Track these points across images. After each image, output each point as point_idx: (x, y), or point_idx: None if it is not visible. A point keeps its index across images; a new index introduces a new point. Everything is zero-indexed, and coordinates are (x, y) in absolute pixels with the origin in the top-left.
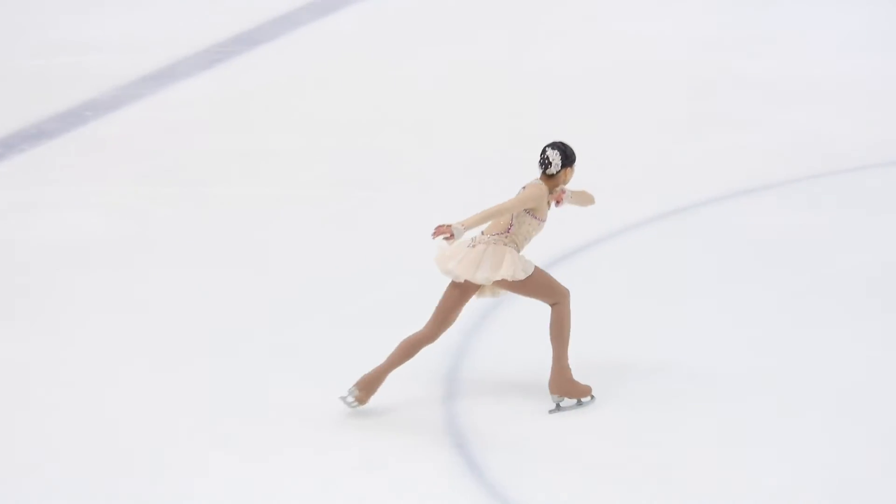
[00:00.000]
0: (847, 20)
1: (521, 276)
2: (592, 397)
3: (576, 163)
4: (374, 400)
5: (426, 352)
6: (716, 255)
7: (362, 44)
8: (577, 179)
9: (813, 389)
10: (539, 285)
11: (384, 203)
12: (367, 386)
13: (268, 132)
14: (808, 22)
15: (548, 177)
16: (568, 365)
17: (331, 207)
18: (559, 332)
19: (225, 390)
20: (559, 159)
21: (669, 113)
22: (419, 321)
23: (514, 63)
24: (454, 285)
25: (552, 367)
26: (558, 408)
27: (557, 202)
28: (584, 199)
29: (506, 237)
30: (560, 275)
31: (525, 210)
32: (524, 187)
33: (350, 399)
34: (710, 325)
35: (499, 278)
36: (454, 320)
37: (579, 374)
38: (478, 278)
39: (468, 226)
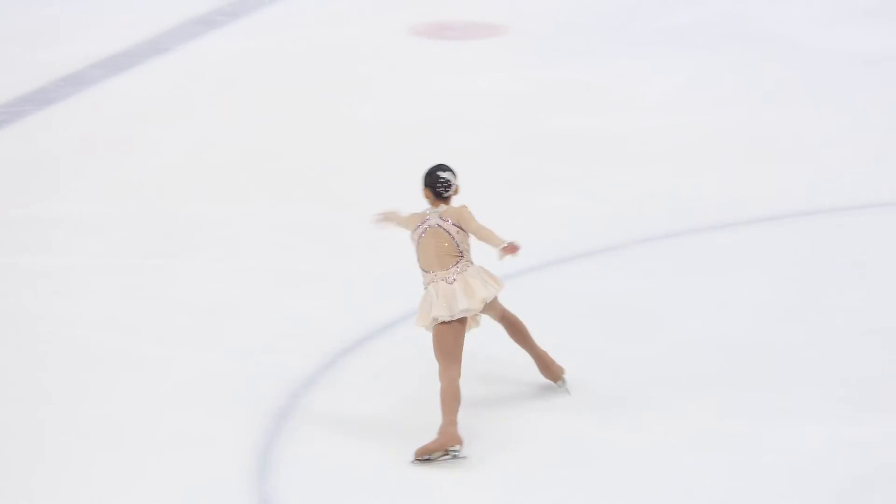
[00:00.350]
0: (681, 73)
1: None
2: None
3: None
4: None
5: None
6: (541, 324)
7: (162, 103)
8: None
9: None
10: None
11: (188, 272)
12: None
13: (59, 197)
14: (641, 76)
15: (444, 200)
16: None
17: (129, 278)
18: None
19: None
20: (454, 177)
21: (492, 172)
22: (225, 402)
23: (327, 119)
24: (443, 331)
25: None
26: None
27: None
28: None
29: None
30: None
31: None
32: (459, 212)
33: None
34: (525, 404)
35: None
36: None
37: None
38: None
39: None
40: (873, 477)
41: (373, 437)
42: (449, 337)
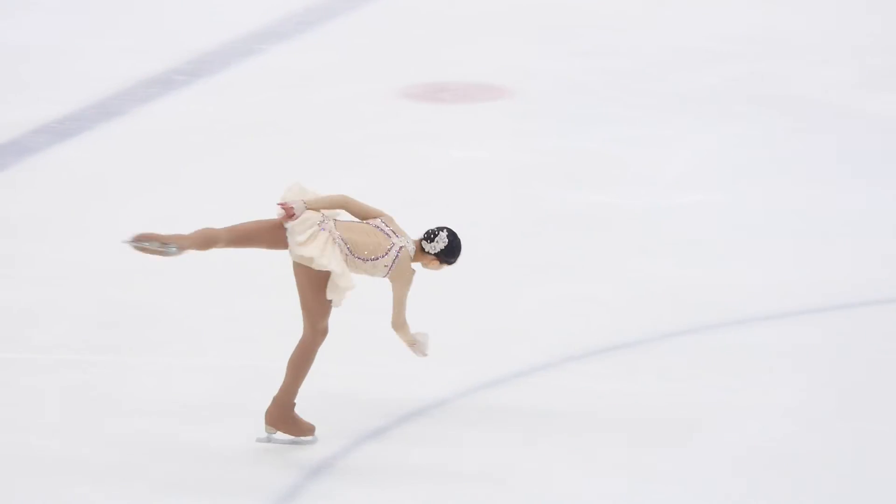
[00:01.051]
0: (707, 141)
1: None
2: (314, 438)
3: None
4: None
5: None
6: (555, 430)
7: (114, 174)
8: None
9: None
10: (319, 296)
11: (141, 368)
12: None
13: None
14: (662, 145)
15: (422, 253)
16: (294, 400)
17: (73, 376)
18: (302, 362)
19: None
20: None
21: (493, 255)
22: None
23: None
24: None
25: (276, 397)
26: (269, 440)
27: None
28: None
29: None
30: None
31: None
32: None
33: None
34: None
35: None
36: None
37: None
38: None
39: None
40: None
41: None
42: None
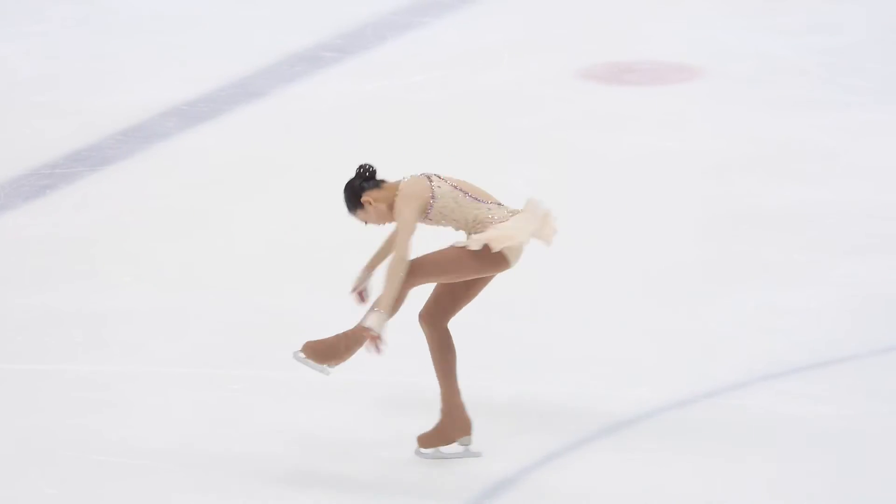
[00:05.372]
0: None
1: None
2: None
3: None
4: None
5: None
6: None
7: (248, 164)
8: None
9: None
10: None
11: (285, 385)
12: None
13: (111, 284)
14: (878, 133)
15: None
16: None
17: (210, 393)
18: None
19: None
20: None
21: (680, 258)
22: None
23: None
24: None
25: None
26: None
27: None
28: None
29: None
30: None
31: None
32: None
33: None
34: None
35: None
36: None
37: None
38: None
39: (385, 306)
40: None
41: None
42: None
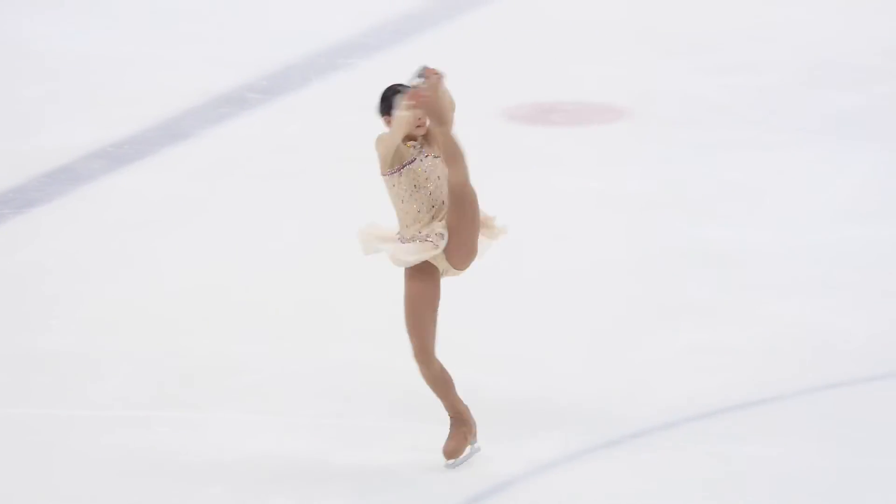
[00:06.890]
0: (858, 170)
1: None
2: None
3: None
4: None
5: None
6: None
7: (175, 204)
8: None
9: None
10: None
11: (215, 426)
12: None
13: (43, 328)
14: (805, 173)
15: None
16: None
17: (137, 433)
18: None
19: None
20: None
21: (605, 299)
22: None
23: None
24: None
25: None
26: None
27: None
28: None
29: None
30: None
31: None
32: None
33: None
34: None
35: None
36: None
37: None
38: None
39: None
40: None
41: None
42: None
